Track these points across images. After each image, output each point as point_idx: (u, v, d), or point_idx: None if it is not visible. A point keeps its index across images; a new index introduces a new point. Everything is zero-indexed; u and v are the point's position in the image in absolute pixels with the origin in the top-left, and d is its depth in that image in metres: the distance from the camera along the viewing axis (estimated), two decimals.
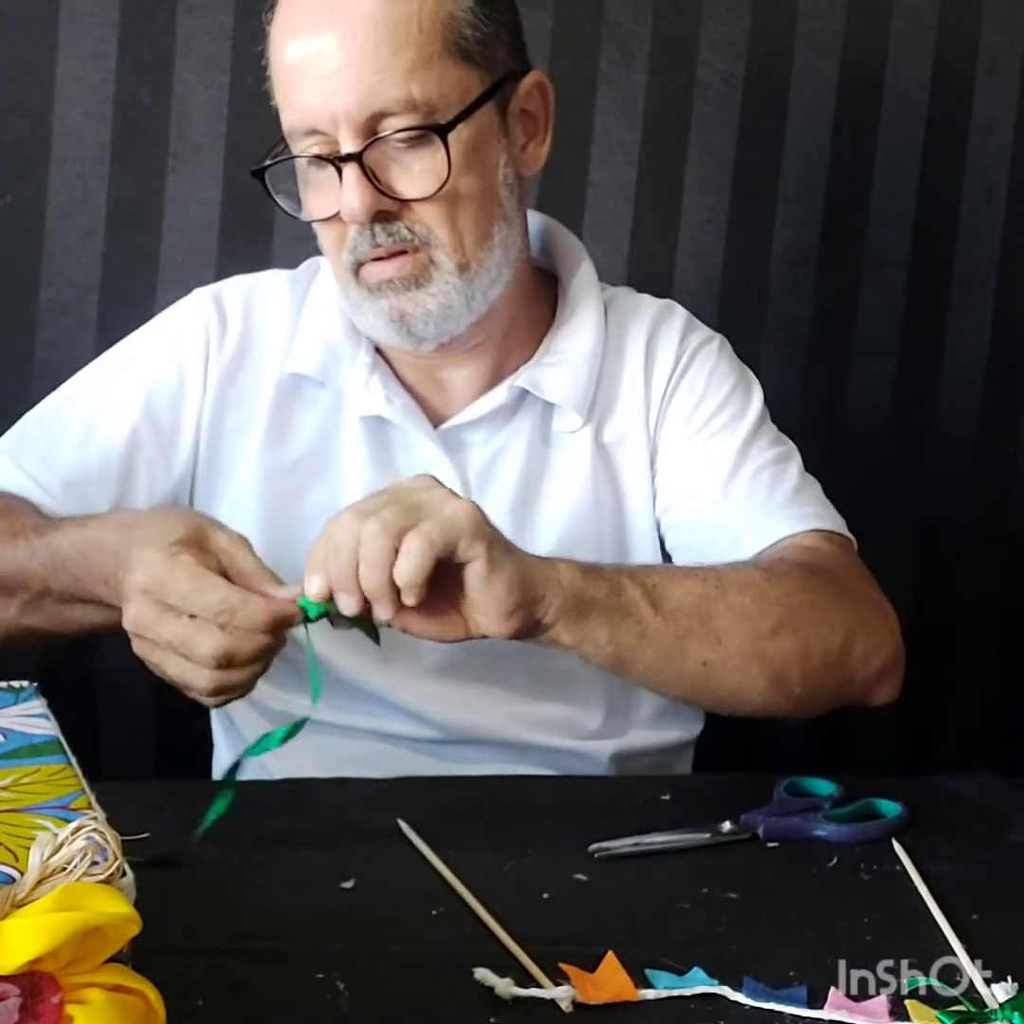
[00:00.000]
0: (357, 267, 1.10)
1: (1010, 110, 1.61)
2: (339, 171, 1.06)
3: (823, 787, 1.04)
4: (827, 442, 1.64)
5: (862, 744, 1.71)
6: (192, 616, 0.89)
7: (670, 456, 1.19)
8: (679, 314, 1.24)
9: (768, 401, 1.26)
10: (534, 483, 1.18)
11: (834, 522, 1.17)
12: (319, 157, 1.07)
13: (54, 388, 1.51)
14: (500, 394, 1.17)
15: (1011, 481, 1.69)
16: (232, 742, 1.27)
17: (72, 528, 1.04)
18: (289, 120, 1.09)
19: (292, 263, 1.27)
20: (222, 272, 1.44)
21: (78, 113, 1.48)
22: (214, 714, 1.30)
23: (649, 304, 1.25)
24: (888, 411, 1.66)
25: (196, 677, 0.90)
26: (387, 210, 1.07)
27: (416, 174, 1.07)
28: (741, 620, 1.01)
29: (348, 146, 1.05)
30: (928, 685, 1.72)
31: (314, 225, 1.13)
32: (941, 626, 1.72)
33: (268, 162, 1.11)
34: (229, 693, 0.92)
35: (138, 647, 0.93)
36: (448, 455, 1.17)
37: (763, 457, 1.18)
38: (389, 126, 1.05)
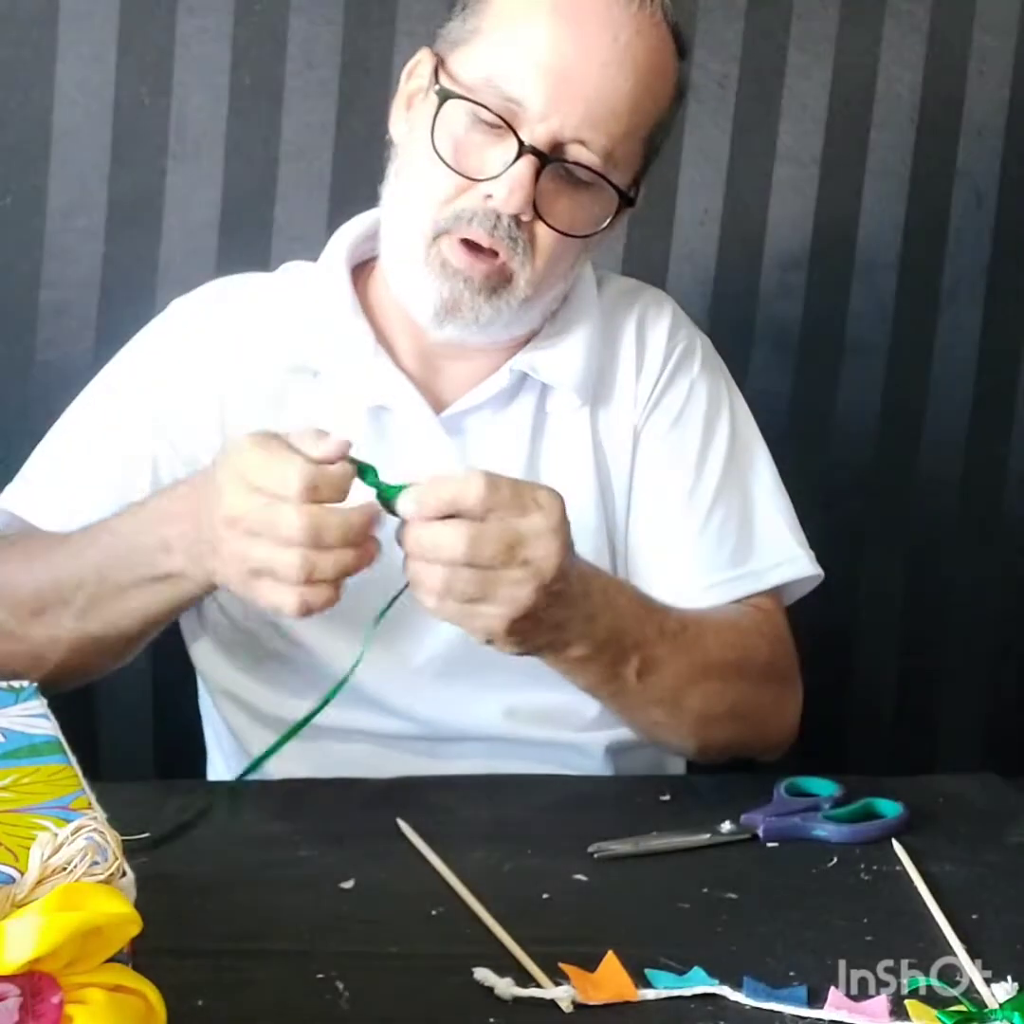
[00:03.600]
0: (440, 234, 1.08)
1: (1000, 114, 1.62)
2: (519, 153, 1.05)
3: (823, 787, 1.04)
4: (817, 444, 1.65)
5: (860, 744, 1.71)
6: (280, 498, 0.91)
7: (646, 472, 1.20)
8: (667, 305, 1.25)
9: (759, 403, 1.27)
10: (535, 466, 1.19)
11: (793, 568, 1.21)
12: (514, 133, 1.05)
13: (54, 388, 1.51)
14: (501, 378, 1.17)
15: (1001, 482, 1.70)
16: (226, 750, 1.27)
17: (132, 509, 1.05)
18: (502, 72, 1.06)
19: (291, 262, 1.26)
20: (222, 272, 1.44)
21: (78, 113, 1.47)
22: (207, 723, 1.30)
23: (638, 289, 1.26)
24: (878, 413, 1.66)
25: (285, 558, 0.90)
26: (521, 214, 1.07)
27: (565, 207, 1.08)
28: (705, 702, 1.10)
29: (539, 142, 1.05)
30: (924, 685, 1.73)
31: (424, 163, 1.09)
32: (934, 627, 1.72)
33: (456, 90, 1.07)
34: (319, 586, 0.92)
35: (231, 541, 0.93)
36: (450, 441, 1.17)
37: (732, 501, 1.20)
38: (581, 156, 1.07)
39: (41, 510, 1.16)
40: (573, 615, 0.99)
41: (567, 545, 0.94)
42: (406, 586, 0.96)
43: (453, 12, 1.13)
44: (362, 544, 0.92)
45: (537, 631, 0.97)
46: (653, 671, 1.05)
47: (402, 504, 0.92)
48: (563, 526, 0.94)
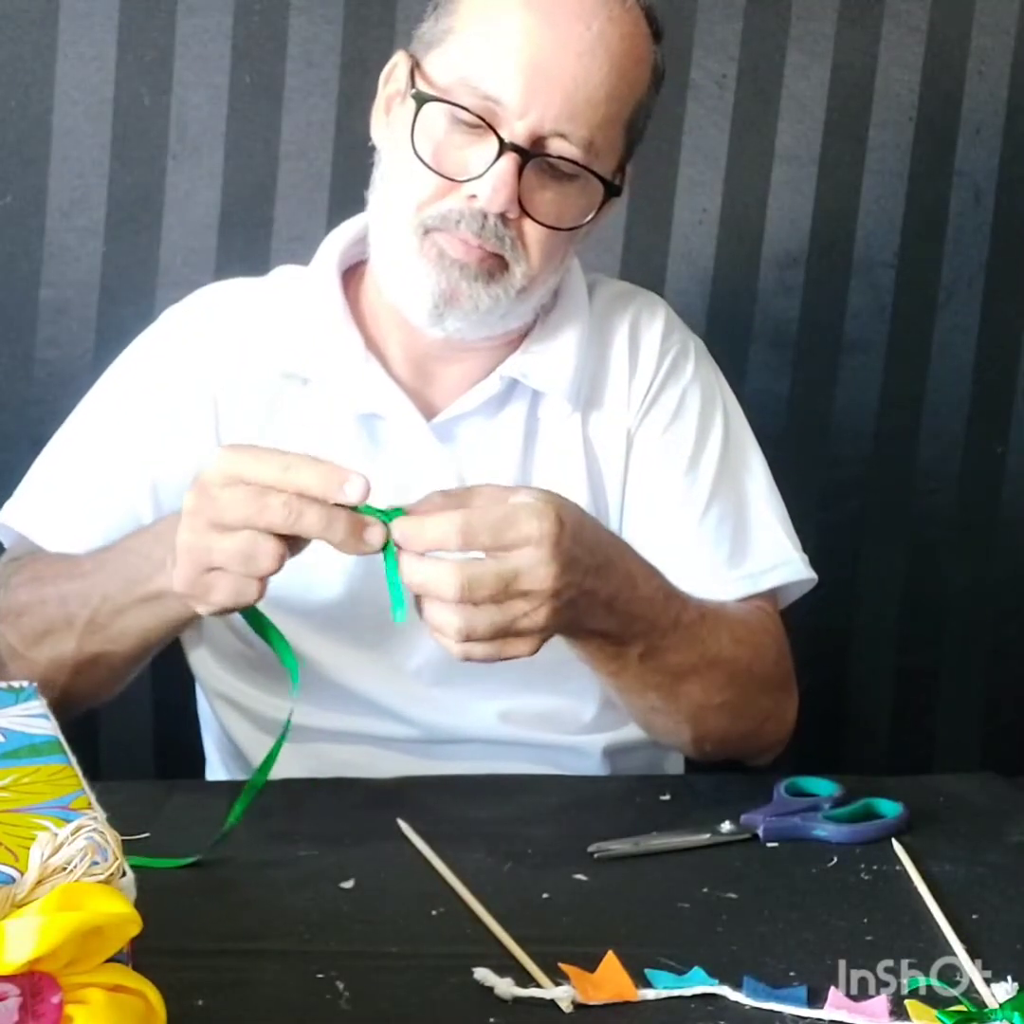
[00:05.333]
0: (430, 230, 1.07)
1: (998, 113, 1.62)
2: (500, 151, 1.04)
3: (823, 787, 1.04)
4: (815, 442, 1.65)
5: (858, 743, 1.72)
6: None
7: (640, 476, 1.20)
8: (660, 309, 1.25)
9: (756, 402, 1.27)
10: (528, 473, 1.18)
11: (789, 571, 1.21)
12: (494, 131, 1.04)
13: (54, 388, 1.51)
14: (491, 384, 1.17)
15: (998, 481, 1.70)
16: (224, 754, 1.27)
17: (143, 529, 1.07)
18: (477, 71, 1.05)
19: (291, 262, 1.26)
20: (221, 272, 1.45)
21: (78, 113, 1.48)
22: (205, 726, 1.30)
23: (631, 292, 1.26)
24: (876, 411, 1.66)
25: (257, 546, 0.89)
26: (507, 211, 1.06)
27: (550, 201, 1.08)
28: (703, 693, 1.09)
29: (520, 139, 1.05)
30: (921, 684, 1.73)
31: (407, 167, 1.08)
32: (932, 626, 1.73)
33: (433, 93, 1.07)
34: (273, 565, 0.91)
35: (187, 534, 0.92)
36: (442, 447, 1.16)
37: (727, 503, 1.20)
38: (562, 149, 1.06)
39: (48, 532, 1.16)
40: (591, 604, 0.98)
41: (565, 563, 0.93)
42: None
43: (426, 13, 1.13)
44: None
45: (560, 628, 0.97)
46: (657, 656, 1.05)
47: (394, 532, 0.91)
48: (558, 548, 0.92)
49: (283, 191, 1.52)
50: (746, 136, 1.58)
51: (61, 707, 1.09)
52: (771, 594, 1.20)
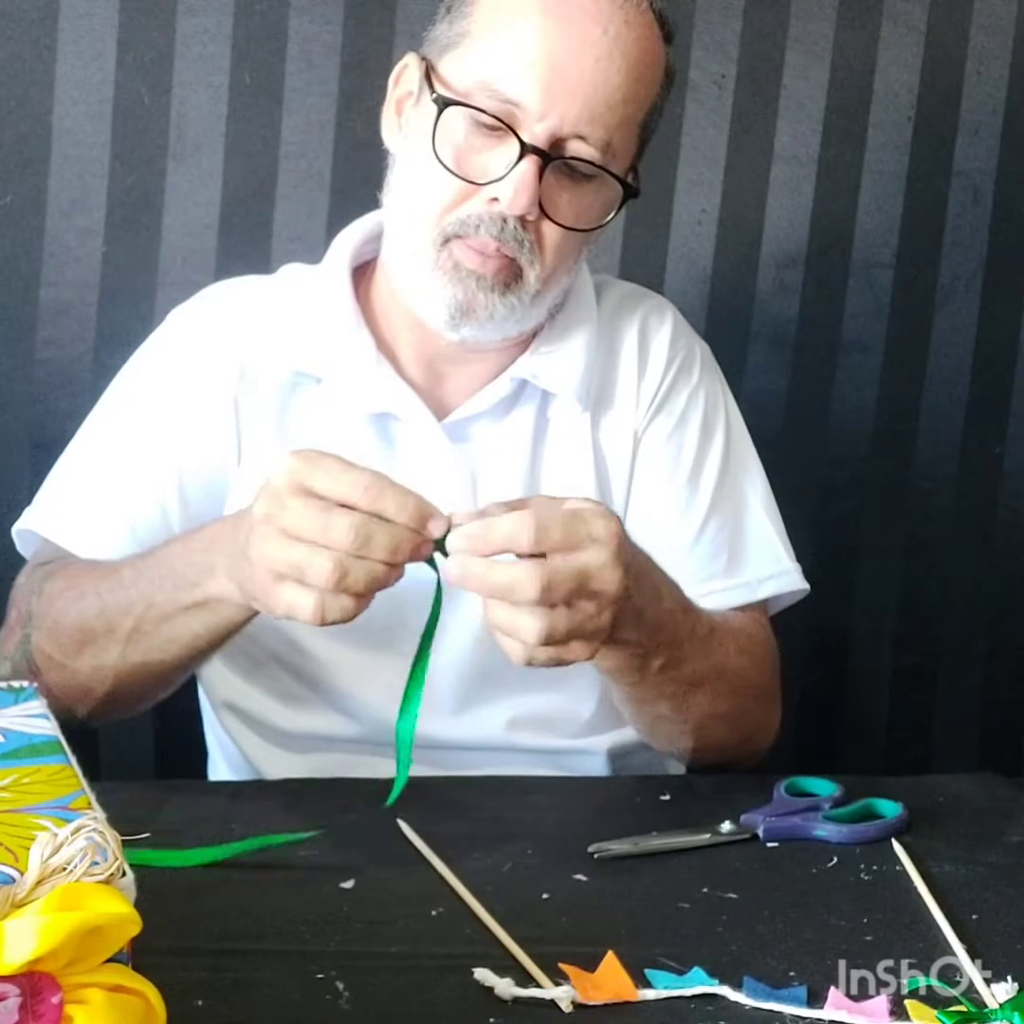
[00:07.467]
0: (449, 238, 1.08)
1: (997, 113, 1.62)
2: (522, 153, 1.05)
3: (823, 787, 1.04)
4: (813, 442, 1.65)
5: (856, 742, 1.72)
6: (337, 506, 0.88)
7: (644, 479, 1.20)
8: (668, 312, 1.25)
9: (755, 402, 1.28)
10: (537, 473, 1.19)
11: (784, 581, 1.21)
12: (515, 134, 1.05)
13: (54, 388, 1.50)
14: (502, 386, 1.17)
15: (996, 481, 1.71)
16: (227, 753, 1.27)
17: (183, 536, 1.05)
18: (496, 74, 1.06)
19: (291, 262, 1.26)
20: (221, 272, 1.45)
21: (78, 113, 1.47)
22: (207, 725, 1.30)
23: (638, 294, 1.27)
24: (874, 411, 1.67)
25: (319, 562, 0.87)
26: (527, 213, 1.07)
27: (568, 202, 1.09)
28: (710, 702, 1.10)
29: (540, 141, 1.05)
30: (919, 684, 1.73)
31: (426, 171, 1.09)
32: (930, 625, 1.73)
33: (455, 97, 1.07)
34: (343, 596, 0.89)
35: (262, 542, 0.90)
36: (454, 448, 1.17)
37: (727, 512, 1.21)
38: (581, 151, 1.07)
39: (77, 535, 1.15)
40: (627, 614, 0.97)
41: (626, 566, 0.93)
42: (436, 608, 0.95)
43: (438, 15, 1.13)
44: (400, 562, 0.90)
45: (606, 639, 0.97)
46: (675, 667, 1.05)
47: (454, 541, 0.89)
48: (622, 550, 0.93)
49: (283, 191, 1.52)
50: (745, 136, 1.59)
51: (102, 714, 1.09)
52: (762, 604, 1.21)
